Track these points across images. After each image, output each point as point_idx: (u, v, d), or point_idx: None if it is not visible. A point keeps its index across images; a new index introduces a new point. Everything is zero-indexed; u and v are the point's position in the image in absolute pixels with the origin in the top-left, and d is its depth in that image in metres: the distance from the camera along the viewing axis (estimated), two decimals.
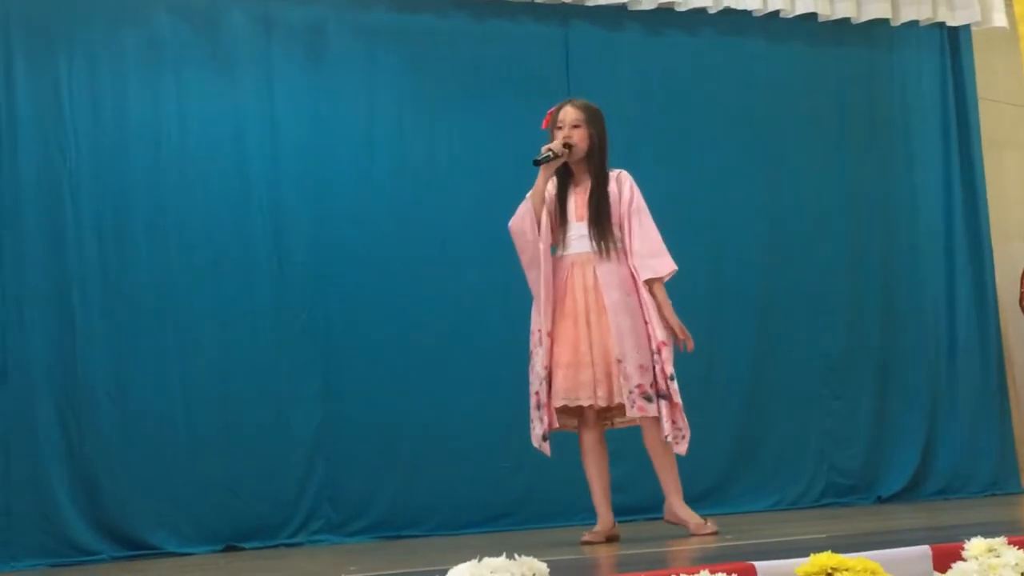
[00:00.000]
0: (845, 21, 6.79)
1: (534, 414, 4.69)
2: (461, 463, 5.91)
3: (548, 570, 2.93)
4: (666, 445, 4.67)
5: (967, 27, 7.06)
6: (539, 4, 6.33)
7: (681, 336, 4.72)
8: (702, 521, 4.71)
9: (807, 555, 3.02)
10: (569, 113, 4.75)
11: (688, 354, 6.39)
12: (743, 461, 6.46)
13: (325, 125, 6.00)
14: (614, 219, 4.71)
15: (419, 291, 5.97)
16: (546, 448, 4.68)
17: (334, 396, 5.85)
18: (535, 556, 2.96)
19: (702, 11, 6.54)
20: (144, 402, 5.58)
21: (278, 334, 5.81)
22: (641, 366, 4.61)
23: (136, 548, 5.46)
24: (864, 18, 6.81)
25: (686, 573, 2.95)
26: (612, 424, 4.86)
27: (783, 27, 6.75)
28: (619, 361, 4.59)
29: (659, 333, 4.65)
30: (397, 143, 6.08)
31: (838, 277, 6.77)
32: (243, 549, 5.56)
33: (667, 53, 6.59)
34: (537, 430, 4.68)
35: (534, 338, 4.70)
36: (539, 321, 4.67)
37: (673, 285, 6.37)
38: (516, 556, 2.93)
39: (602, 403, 4.63)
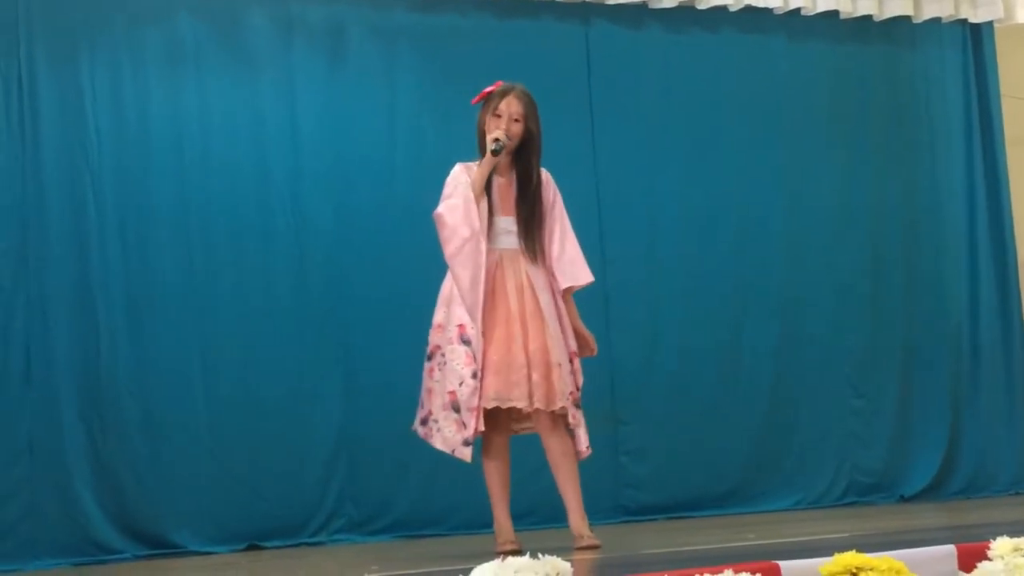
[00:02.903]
0: (867, 18, 6.77)
1: (446, 415, 4.40)
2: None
3: (572, 569, 2.93)
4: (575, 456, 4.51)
5: (989, 24, 7.03)
6: (560, 3, 6.33)
7: (592, 346, 4.60)
8: (581, 535, 4.46)
9: (831, 554, 3.01)
10: (513, 105, 4.57)
11: (711, 354, 6.45)
12: (766, 459, 6.45)
13: (345, 125, 6.01)
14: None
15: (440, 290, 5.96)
16: (468, 453, 4.38)
17: (355, 395, 5.86)
18: (559, 555, 2.96)
19: (723, 9, 6.53)
20: (167, 402, 5.60)
21: (299, 333, 5.83)
22: (570, 372, 4.49)
23: (159, 547, 5.48)
24: (886, 15, 6.78)
25: (710, 572, 2.94)
26: (515, 431, 4.63)
27: (804, 24, 6.73)
28: (559, 364, 4.44)
29: (571, 342, 4.54)
30: (417, 142, 6.08)
31: (861, 275, 6.75)
32: (264, 548, 5.58)
33: (688, 51, 6.58)
34: (452, 435, 4.38)
35: (445, 333, 4.46)
36: (459, 316, 4.44)
37: (696, 283, 6.41)
38: (540, 555, 2.93)
39: (539, 405, 4.40)
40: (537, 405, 4.41)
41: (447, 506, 5.85)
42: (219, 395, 5.68)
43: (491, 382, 4.39)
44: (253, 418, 5.70)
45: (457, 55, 6.15)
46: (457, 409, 4.41)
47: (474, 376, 4.39)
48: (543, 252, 4.56)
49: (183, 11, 5.81)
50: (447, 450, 4.44)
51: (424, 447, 4.52)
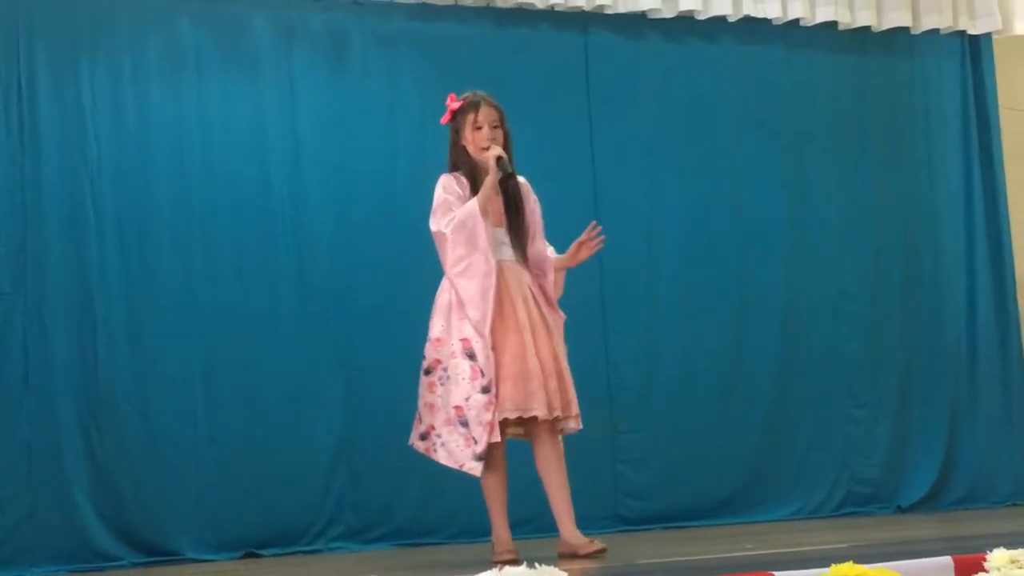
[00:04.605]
0: (866, 29, 6.78)
1: (450, 430, 4.37)
2: None
3: None
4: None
5: (988, 35, 7.04)
6: (559, 12, 6.34)
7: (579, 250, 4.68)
8: (587, 541, 4.44)
9: (828, 565, 3.02)
10: (491, 113, 4.56)
11: (710, 363, 6.44)
12: (764, 469, 6.44)
13: (347, 131, 6.02)
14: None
15: (435, 301, 5.96)
16: (479, 468, 4.33)
17: (355, 402, 5.86)
18: (555, 565, 2.96)
19: (722, 19, 6.53)
20: (166, 409, 5.60)
21: (300, 340, 5.82)
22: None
23: (156, 554, 5.48)
24: (885, 26, 6.79)
25: None
26: (507, 435, 4.56)
27: (803, 35, 6.73)
28: (568, 371, 4.49)
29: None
30: (418, 149, 6.07)
31: (859, 286, 6.74)
32: (262, 556, 5.57)
33: (687, 61, 6.58)
34: (460, 449, 4.34)
35: (446, 347, 4.43)
36: (462, 330, 4.40)
37: (695, 293, 6.41)
38: (536, 565, 2.93)
39: (558, 413, 4.41)
40: (556, 413, 4.40)
41: (446, 515, 5.84)
42: (218, 402, 5.68)
43: (509, 392, 4.35)
44: (252, 425, 5.70)
45: (457, 63, 6.14)
46: (465, 424, 4.36)
47: (484, 391, 4.34)
48: (528, 260, 4.58)
49: (184, 17, 5.82)
50: (454, 465, 4.40)
51: (424, 456, 4.53)
